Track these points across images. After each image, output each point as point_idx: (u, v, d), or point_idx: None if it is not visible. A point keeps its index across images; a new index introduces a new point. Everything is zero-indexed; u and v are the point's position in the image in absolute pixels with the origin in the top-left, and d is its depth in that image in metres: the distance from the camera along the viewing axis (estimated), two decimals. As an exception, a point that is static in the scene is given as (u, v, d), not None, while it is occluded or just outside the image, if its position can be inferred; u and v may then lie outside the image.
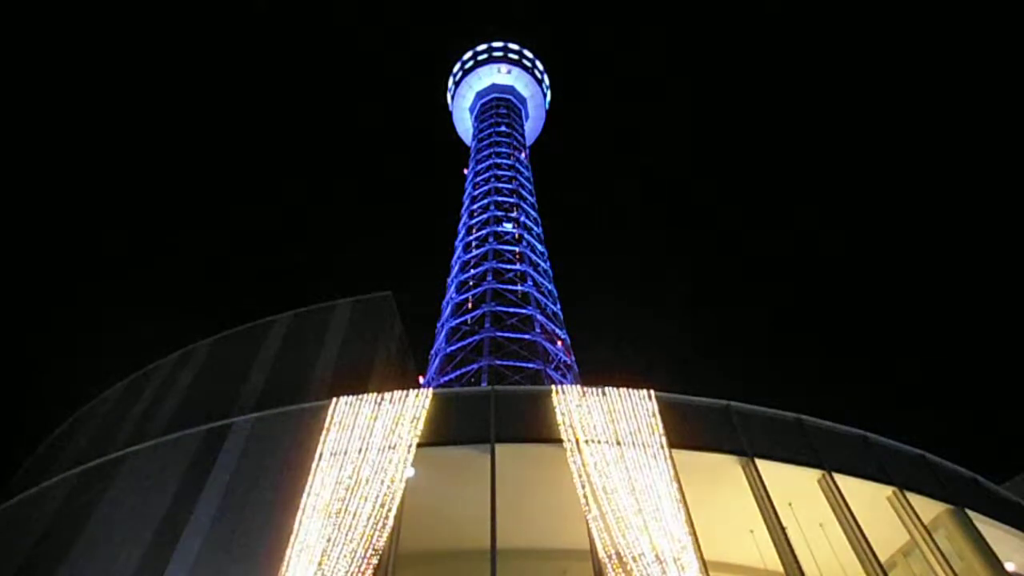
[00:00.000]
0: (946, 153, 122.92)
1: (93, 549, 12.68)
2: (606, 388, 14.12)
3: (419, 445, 12.98)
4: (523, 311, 37.73)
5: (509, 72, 58.96)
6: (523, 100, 59.30)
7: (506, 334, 35.60)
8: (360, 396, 14.00)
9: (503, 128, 55.55)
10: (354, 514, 11.82)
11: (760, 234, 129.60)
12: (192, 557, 11.89)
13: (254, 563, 11.54)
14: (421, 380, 30.72)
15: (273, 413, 14.60)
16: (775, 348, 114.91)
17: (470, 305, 38.67)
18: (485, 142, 54.47)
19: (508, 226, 45.06)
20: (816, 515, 14.11)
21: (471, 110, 59.39)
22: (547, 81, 60.92)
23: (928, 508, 14.87)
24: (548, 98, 61.37)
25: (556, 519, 13.88)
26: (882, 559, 13.19)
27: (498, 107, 57.76)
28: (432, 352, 37.36)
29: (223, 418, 14.89)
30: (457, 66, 60.61)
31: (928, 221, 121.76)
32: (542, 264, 43.76)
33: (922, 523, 14.20)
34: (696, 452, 13.75)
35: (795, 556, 12.47)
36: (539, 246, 45.36)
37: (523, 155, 54.87)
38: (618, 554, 11.33)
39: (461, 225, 47.51)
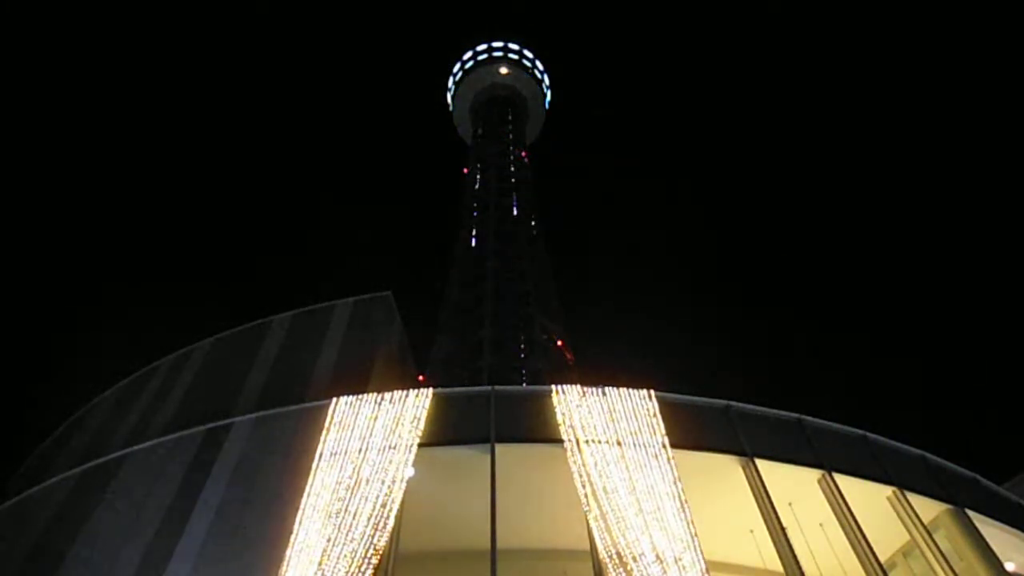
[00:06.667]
0: (948, 153, 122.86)
1: (93, 549, 12.67)
2: (606, 388, 14.10)
3: (419, 445, 12.98)
4: (523, 310, 37.73)
5: (509, 72, 58.97)
6: (523, 100, 59.31)
7: (506, 334, 35.60)
8: (360, 396, 13.99)
9: (503, 128, 55.56)
10: (354, 514, 11.80)
11: (761, 234, 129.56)
12: (192, 557, 11.88)
13: (254, 563, 11.53)
14: (421, 380, 30.71)
15: (273, 413, 14.59)
16: (775, 348, 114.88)
17: (471, 304, 38.66)
18: (485, 142, 54.48)
19: (508, 225, 45.06)
20: (816, 515, 14.09)
21: (471, 110, 59.39)
22: (547, 81, 60.96)
23: (928, 508, 14.85)
24: (548, 98, 61.39)
25: (556, 519, 13.87)
26: (882, 559, 13.17)
27: (498, 107, 57.77)
28: (432, 352, 37.36)
29: (223, 418, 14.87)
30: (457, 66, 60.67)
31: (928, 220, 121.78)
32: (542, 263, 43.77)
33: (922, 523, 14.18)
34: (696, 452, 13.72)
35: (795, 556, 12.45)
36: (539, 244, 45.38)
37: (523, 155, 54.89)
38: (619, 554, 11.32)
39: (462, 225, 47.53)
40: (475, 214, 46.78)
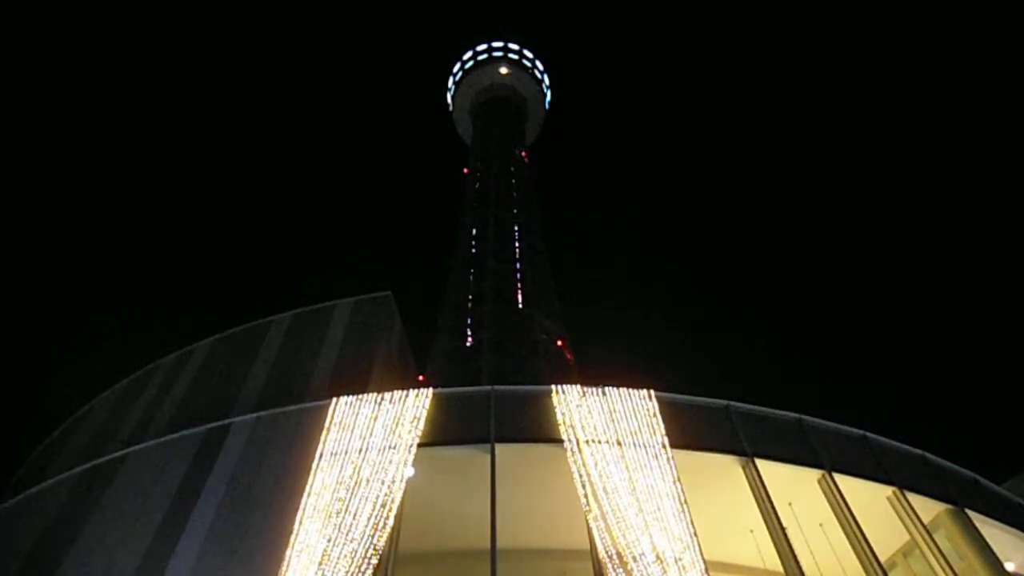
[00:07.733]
0: (948, 153, 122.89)
1: (93, 550, 12.67)
2: (606, 388, 14.10)
3: (419, 445, 12.98)
4: (523, 310, 37.71)
5: (509, 72, 58.95)
6: (523, 100, 59.28)
7: (506, 334, 35.56)
8: (360, 396, 13.98)
9: (503, 128, 55.54)
10: (354, 514, 11.81)
11: (762, 234, 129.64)
12: (192, 557, 11.89)
13: (254, 563, 11.54)
14: (421, 380, 30.71)
15: (273, 413, 14.58)
16: (775, 348, 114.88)
17: (470, 304, 38.66)
18: (486, 142, 54.46)
19: (508, 224, 45.04)
20: (816, 515, 14.10)
21: (471, 110, 59.37)
22: (547, 81, 60.94)
23: (928, 508, 14.86)
24: (548, 97, 61.38)
25: (556, 519, 13.86)
26: (882, 559, 13.18)
27: (498, 107, 57.75)
28: (432, 352, 37.33)
29: (223, 418, 14.88)
30: (457, 66, 60.63)
31: (927, 220, 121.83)
32: (542, 263, 43.76)
33: (922, 523, 14.19)
34: (696, 452, 13.72)
35: (795, 556, 12.46)
36: (539, 244, 45.35)
37: (523, 155, 54.90)
38: (619, 554, 11.32)
39: (461, 225, 47.51)
40: (475, 215, 46.74)
